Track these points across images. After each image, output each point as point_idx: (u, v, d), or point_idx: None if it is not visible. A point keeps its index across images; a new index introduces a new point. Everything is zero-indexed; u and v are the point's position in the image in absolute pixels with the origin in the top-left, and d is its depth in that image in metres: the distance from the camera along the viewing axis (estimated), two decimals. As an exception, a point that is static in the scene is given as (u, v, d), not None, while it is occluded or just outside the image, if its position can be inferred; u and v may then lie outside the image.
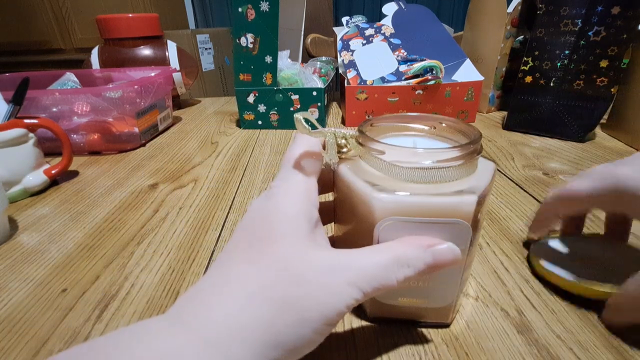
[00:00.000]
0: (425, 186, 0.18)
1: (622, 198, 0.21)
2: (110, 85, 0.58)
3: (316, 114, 0.62)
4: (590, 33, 0.48)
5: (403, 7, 0.73)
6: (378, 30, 0.71)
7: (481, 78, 0.60)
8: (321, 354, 0.20)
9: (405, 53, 0.65)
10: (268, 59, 0.58)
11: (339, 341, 0.21)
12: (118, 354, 0.13)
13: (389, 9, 0.74)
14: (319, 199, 0.19)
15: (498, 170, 0.44)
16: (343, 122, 0.66)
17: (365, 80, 0.61)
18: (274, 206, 0.17)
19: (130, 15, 0.74)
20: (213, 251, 0.30)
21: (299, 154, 0.19)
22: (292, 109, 0.62)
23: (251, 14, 0.55)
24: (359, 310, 0.23)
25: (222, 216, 0.35)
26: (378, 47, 0.67)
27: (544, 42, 0.52)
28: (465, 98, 0.60)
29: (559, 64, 0.51)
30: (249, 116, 0.64)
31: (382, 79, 0.61)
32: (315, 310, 0.15)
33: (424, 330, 0.22)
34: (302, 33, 0.79)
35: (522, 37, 0.66)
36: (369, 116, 0.62)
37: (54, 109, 0.49)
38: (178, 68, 0.75)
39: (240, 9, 0.55)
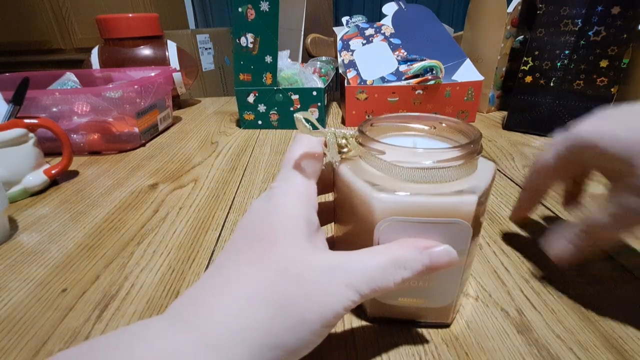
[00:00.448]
0: (426, 186, 0.17)
1: (584, 154, 0.21)
2: (110, 85, 0.58)
3: (316, 114, 0.62)
4: (590, 33, 0.48)
5: (403, 7, 0.73)
6: (378, 30, 0.71)
7: (481, 78, 0.60)
8: (321, 354, 0.20)
9: (405, 53, 0.65)
10: (268, 59, 0.58)
11: (339, 341, 0.21)
12: (118, 354, 0.13)
13: (389, 9, 0.74)
14: (318, 200, 0.19)
15: (498, 170, 0.44)
16: (343, 122, 0.66)
17: (365, 80, 0.61)
18: (274, 207, 0.17)
19: (130, 15, 0.74)
20: (213, 251, 0.30)
21: (299, 155, 0.19)
22: (292, 108, 0.62)
23: (251, 14, 0.55)
24: (359, 310, 0.23)
25: (222, 216, 0.35)
26: (378, 47, 0.67)
27: (544, 42, 0.52)
28: (465, 98, 0.60)
29: (559, 64, 0.51)
30: (249, 116, 0.64)
31: (382, 79, 0.61)
32: (313, 312, 0.15)
33: (424, 331, 0.22)
34: (302, 33, 0.79)
35: (522, 37, 0.66)
36: (369, 116, 0.62)
37: (54, 109, 0.49)
38: (178, 68, 0.75)
39: (240, 9, 0.55)
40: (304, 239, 0.16)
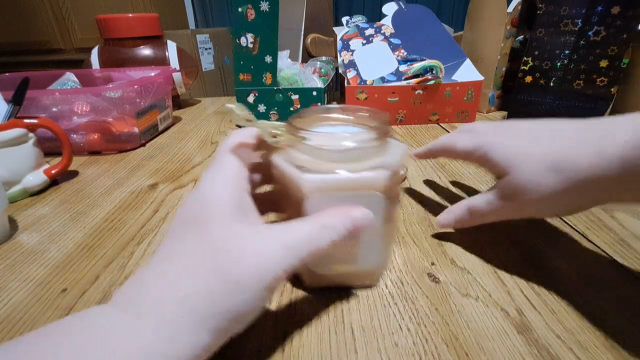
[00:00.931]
0: (346, 165, 0.20)
1: (487, 162, 0.26)
2: (110, 85, 0.58)
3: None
4: (590, 33, 0.48)
5: (403, 7, 0.73)
6: (378, 30, 0.71)
7: (481, 78, 0.60)
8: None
9: (405, 53, 0.65)
10: (268, 58, 0.58)
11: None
12: (59, 330, 0.15)
13: (389, 9, 0.74)
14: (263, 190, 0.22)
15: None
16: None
17: (365, 80, 0.61)
18: (201, 194, 0.19)
19: (130, 15, 0.73)
20: (213, 251, 0.30)
21: (228, 145, 0.21)
22: (292, 108, 0.62)
23: (251, 14, 0.55)
24: (297, 283, 0.25)
25: (222, 216, 0.35)
26: (378, 47, 0.67)
27: (544, 42, 0.52)
28: (465, 98, 0.60)
29: (559, 64, 0.51)
30: (249, 116, 0.64)
31: (382, 78, 0.61)
32: (250, 276, 0.16)
33: (424, 330, 0.22)
34: (302, 33, 0.79)
35: (522, 37, 0.66)
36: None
37: (54, 109, 0.49)
38: (178, 68, 0.75)
39: (240, 9, 0.55)
40: (234, 219, 0.18)
